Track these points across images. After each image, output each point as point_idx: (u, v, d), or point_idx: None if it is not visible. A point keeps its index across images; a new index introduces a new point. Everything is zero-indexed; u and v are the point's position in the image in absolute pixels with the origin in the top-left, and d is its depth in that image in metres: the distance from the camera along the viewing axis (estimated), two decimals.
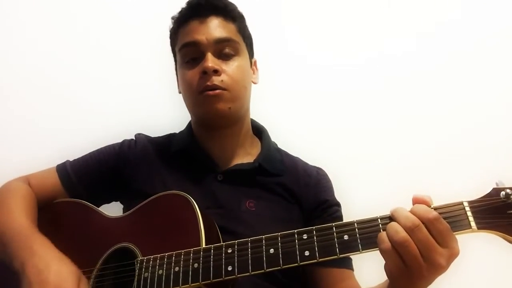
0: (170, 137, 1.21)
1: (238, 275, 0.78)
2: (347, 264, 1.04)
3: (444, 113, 1.55)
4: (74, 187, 1.11)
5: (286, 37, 1.66)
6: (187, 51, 1.08)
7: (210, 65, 1.02)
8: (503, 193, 0.70)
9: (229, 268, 0.79)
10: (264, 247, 0.78)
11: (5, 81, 1.59)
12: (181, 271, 0.81)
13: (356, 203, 1.15)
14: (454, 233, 0.69)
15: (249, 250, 0.79)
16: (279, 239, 0.78)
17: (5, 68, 1.59)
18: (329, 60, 1.64)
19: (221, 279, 0.78)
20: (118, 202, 1.18)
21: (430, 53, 1.61)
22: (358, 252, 0.73)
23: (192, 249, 0.83)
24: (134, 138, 1.20)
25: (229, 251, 0.80)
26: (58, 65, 1.61)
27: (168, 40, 1.17)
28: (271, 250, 0.78)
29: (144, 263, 0.86)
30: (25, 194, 1.05)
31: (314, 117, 1.60)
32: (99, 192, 1.13)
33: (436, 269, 0.69)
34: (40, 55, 1.61)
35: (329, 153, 1.43)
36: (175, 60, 1.16)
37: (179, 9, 1.12)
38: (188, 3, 1.12)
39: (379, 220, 0.74)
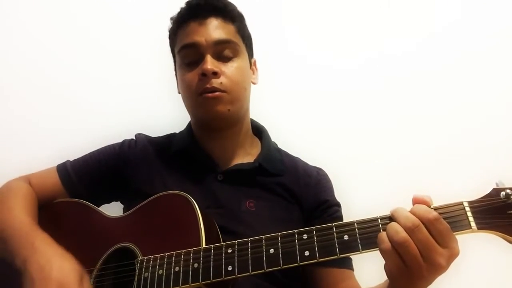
0: (170, 137, 1.21)
1: (238, 275, 0.78)
2: (347, 264, 1.04)
3: (444, 113, 1.55)
4: (74, 187, 1.11)
5: (286, 37, 1.66)
6: (186, 53, 1.08)
7: (209, 67, 1.02)
8: (503, 193, 0.70)
9: (229, 268, 0.79)
10: (264, 247, 0.78)
11: (5, 81, 1.59)
12: (181, 271, 0.82)
13: (356, 203, 1.15)
14: (454, 233, 0.69)
15: (249, 250, 0.79)
16: (279, 239, 0.78)
17: (5, 68, 1.59)
18: (329, 60, 1.64)
19: (221, 279, 0.79)
20: (118, 202, 1.18)
21: (430, 53, 1.61)
22: (358, 252, 0.73)
23: (192, 249, 0.83)
24: (134, 138, 1.21)
25: (229, 251, 0.80)
26: (58, 65, 1.61)
27: (168, 40, 1.17)
28: (271, 250, 0.78)
29: (144, 263, 0.86)
30: (26, 193, 1.05)
31: (314, 117, 1.60)
32: (99, 192, 1.13)
33: (436, 269, 0.69)
34: (40, 55, 1.61)
35: (329, 153, 1.43)
36: (174, 61, 1.16)
37: (178, 9, 1.12)
38: (187, 4, 1.11)
39: (379, 220, 0.74)
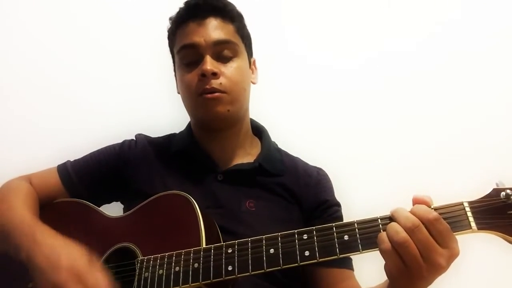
0: (170, 138, 1.21)
1: (238, 275, 0.78)
2: (347, 264, 1.04)
3: (444, 113, 1.55)
4: (74, 187, 1.11)
5: (286, 37, 1.66)
6: (186, 53, 1.08)
7: (208, 68, 1.02)
8: (503, 193, 0.70)
9: (229, 268, 0.79)
10: (264, 247, 0.78)
11: (5, 81, 1.59)
12: (181, 271, 0.82)
13: (356, 203, 1.15)
14: (454, 233, 0.69)
15: (249, 250, 0.79)
16: (279, 239, 0.78)
17: (5, 68, 1.60)
18: (329, 60, 1.64)
19: (221, 279, 0.79)
20: (119, 202, 1.18)
21: (430, 53, 1.61)
22: (358, 252, 0.73)
23: (192, 249, 0.83)
24: (134, 138, 1.21)
25: (229, 251, 0.80)
26: (58, 65, 1.61)
27: (167, 40, 1.17)
28: (271, 250, 0.78)
29: (145, 263, 0.86)
30: (27, 191, 1.05)
31: (314, 117, 1.60)
32: (100, 192, 1.13)
33: (436, 269, 0.69)
34: (40, 55, 1.61)
35: (329, 153, 1.43)
36: (174, 61, 1.16)
37: (177, 9, 1.12)
38: (185, 4, 1.11)
39: (379, 220, 0.74)
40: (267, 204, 1.06)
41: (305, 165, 1.19)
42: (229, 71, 1.05)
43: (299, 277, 1.05)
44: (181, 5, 1.11)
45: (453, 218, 0.70)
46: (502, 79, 1.56)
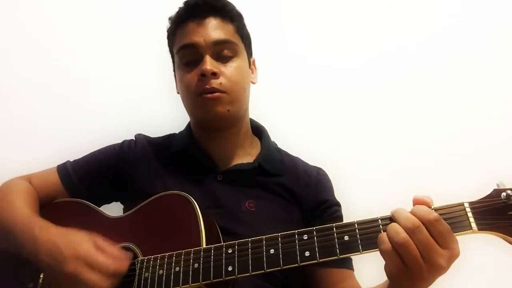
0: (170, 138, 1.21)
1: (238, 275, 0.78)
2: (347, 264, 1.04)
3: (444, 113, 1.55)
4: (74, 187, 1.11)
5: (286, 37, 1.66)
6: (185, 53, 1.08)
7: (208, 68, 1.02)
8: (504, 194, 0.69)
9: (230, 268, 0.79)
10: (264, 247, 0.78)
11: (5, 81, 1.59)
12: (181, 271, 0.82)
13: (356, 203, 1.15)
14: (455, 234, 0.69)
15: (250, 250, 0.79)
16: (280, 240, 0.78)
17: (5, 68, 1.59)
18: (329, 60, 1.64)
19: (222, 279, 0.79)
20: (119, 202, 1.18)
21: (430, 53, 1.61)
22: (359, 252, 0.73)
23: (192, 249, 0.83)
24: (134, 138, 1.20)
25: (230, 251, 0.80)
26: (58, 65, 1.61)
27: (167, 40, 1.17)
28: (272, 251, 0.78)
29: (145, 263, 0.86)
30: (26, 190, 1.05)
31: (314, 117, 1.60)
32: (100, 192, 1.13)
33: (436, 270, 0.69)
34: (40, 55, 1.61)
35: (329, 153, 1.43)
36: (173, 61, 1.16)
37: (177, 9, 1.12)
38: (185, 3, 1.11)
39: (379, 220, 0.74)
40: (267, 204, 1.06)
41: (305, 165, 1.19)
42: (229, 71, 1.05)
43: (299, 277, 1.05)
44: (181, 5, 1.11)
45: (453, 219, 0.70)
46: (502, 79, 1.56)
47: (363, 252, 0.73)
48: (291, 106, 1.59)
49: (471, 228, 0.69)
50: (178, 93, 1.15)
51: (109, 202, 1.17)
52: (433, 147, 1.52)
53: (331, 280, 1.02)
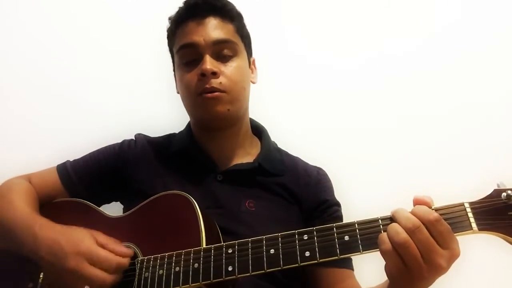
0: (169, 137, 1.21)
1: (239, 275, 0.78)
2: (347, 264, 1.04)
3: (444, 113, 1.55)
4: (74, 187, 1.11)
5: (286, 37, 1.66)
6: (185, 53, 1.08)
7: (208, 67, 1.02)
8: (504, 194, 0.69)
9: (230, 268, 0.79)
10: (264, 247, 0.78)
11: (5, 81, 1.59)
12: (181, 271, 0.82)
13: (356, 203, 1.15)
14: (455, 234, 0.69)
15: (250, 250, 0.79)
16: (280, 240, 0.78)
17: (5, 68, 1.59)
18: (329, 60, 1.64)
19: (222, 279, 0.79)
20: (118, 202, 1.18)
21: (430, 53, 1.61)
22: (359, 252, 0.73)
23: (192, 249, 0.83)
24: (134, 138, 1.20)
25: (230, 251, 0.80)
26: (58, 65, 1.61)
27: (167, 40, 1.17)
28: (272, 251, 0.78)
29: (145, 263, 0.86)
30: (26, 189, 1.05)
31: (314, 117, 1.60)
32: (99, 192, 1.13)
33: (436, 270, 0.69)
34: (40, 55, 1.61)
35: (329, 153, 1.43)
36: (173, 61, 1.16)
37: (177, 9, 1.12)
38: (185, 3, 1.11)
39: (379, 221, 0.74)
40: (267, 204, 1.06)
41: (305, 165, 1.19)
42: (229, 70, 1.05)
43: (299, 277, 1.05)
44: (181, 5, 1.11)
45: (453, 219, 0.70)
46: (503, 79, 1.56)
47: (364, 252, 0.73)
48: (291, 106, 1.59)
49: (471, 228, 0.69)
50: (178, 93, 1.15)
51: (109, 202, 1.17)
52: (433, 147, 1.52)
53: (331, 280, 1.03)
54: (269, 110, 1.36)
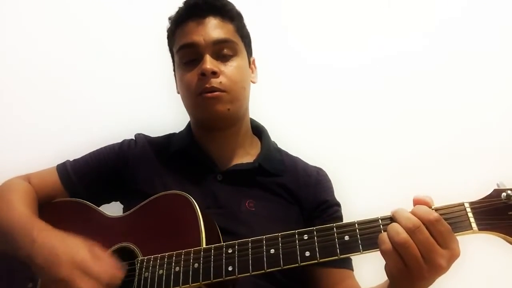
0: (169, 137, 1.21)
1: (239, 275, 0.78)
2: (347, 264, 1.04)
3: (445, 113, 1.55)
4: (74, 187, 1.11)
5: (286, 36, 1.66)
6: (185, 53, 1.08)
7: (208, 67, 1.02)
8: (504, 194, 0.69)
9: (230, 268, 0.79)
10: (264, 247, 0.78)
11: (5, 81, 1.59)
12: (181, 271, 0.81)
13: (356, 203, 1.15)
14: (455, 234, 0.69)
15: (250, 250, 0.79)
16: (280, 240, 0.78)
17: (5, 68, 1.59)
18: (329, 59, 1.64)
19: (222, 279, 0.78)
20: (118, 202, 1.18)
21: (430, 53, 1.61)
22: (359, 252, 0.73)
23: (192, 249, 0.83)
24: (134, 138, 1.20)
25: (230, 251, 0.80)
26: (58, 65, 1.61)
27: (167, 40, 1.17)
28: (272, 251, 0.78)
29: (145, 263, 0.86)
30: (25, 190, 1.05)
31: (314, 117, 1.60)
32: (99, 192, 1.13)
33: (436, 270, 0.68)
34: (40, 55, 1.61)
35: (329, 153, 1.43)
36: (173, 61, 1.16)
37: (177, 9, 1.12)
38: (185, 3, 1.11)
39: (380, 221, 0.74)
40: (267, 204, 1.06)
41: (305, 165, 1.19)
42: (229, 70, 1.05)
43: (299, 277, 1.04)
44: (181, 5, 1.11)
45: (454, 219, 0.70)
46: (503, 79, 1.56)
47: (364, 252, 0.73)
48: (291, 106, 1.59)
49: (471, 228, 0.69)
50: (178, 93, 1.15)
51: (108, 202, 1.17)
52: (433, 147, 1.52)
53: (331, 280, 1.03)
54: (269, 110, 1.36)
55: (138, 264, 0.87)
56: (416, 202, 0.73)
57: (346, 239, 0.74)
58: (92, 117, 1.57)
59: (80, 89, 1.61)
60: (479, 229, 0.69)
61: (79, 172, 1.13)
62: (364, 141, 1.55)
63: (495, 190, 0.71)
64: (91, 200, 1.08)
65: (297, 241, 0.77)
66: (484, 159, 1.45)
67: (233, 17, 1.10)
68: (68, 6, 1.65)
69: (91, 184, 1.12)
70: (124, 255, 0.92)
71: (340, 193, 1.15)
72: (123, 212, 1.07)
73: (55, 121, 1.56)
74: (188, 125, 1.20)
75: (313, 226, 0.78)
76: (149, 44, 1.54)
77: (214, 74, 1.02)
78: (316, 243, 0.75)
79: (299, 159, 1.20)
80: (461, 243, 0.70)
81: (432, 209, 0.71)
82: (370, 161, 1.53)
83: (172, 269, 0.82)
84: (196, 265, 0.81)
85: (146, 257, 0.87)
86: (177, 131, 1.22)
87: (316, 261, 0.75)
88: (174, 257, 0.84)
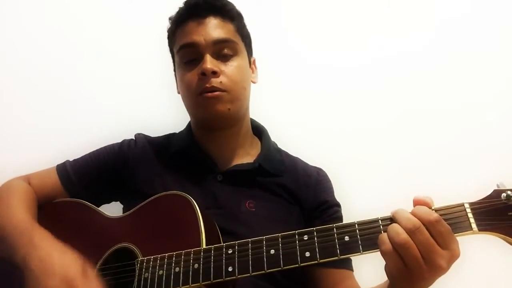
0: (169, 137, 1.21)
1: (239, 276, 0.78)
2: (347, 264, 1.04)
3: (445, 113, 1.55)
4: (73, 187, 1.11)
5: (286, 36, 1.66)
6: (185, 53, 1.08)
7: (208, 66, 1.02)
8: (504, 194, 0.69)
9: (230, 269, 0.78)
10: (264, 247, 0.78)
11: (5, 81, 1.59)
12: (181, 271, 0.81)
13: (356, 204, 1.15)
14: (455, 234, 0.69)
15: (250, 250, 0.79)
16: (280, 240, 0.78)
17: (5, 68, 1.59)
18: (329, 59, 1.64)
19: (222, 279, 0.78)
20: (118, 202, 1.18)
21: (430, 53, 1.61)
22: (359, 253, 0.73)
23: (192, 250, 0.83)
24: (134, 138, 1.20)
25: (230, 251, 0.80)
26: (58, 65, 1.61)
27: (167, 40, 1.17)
28: (272, 251, 0.78)
29: (145, 263, 0.86)
30: (25, 191, 1.05)
31: (314, 117, 1.60)
32: (99, 192, 1.13)
33: (436, 270, 0.69)
34: (40, 55, 1.61)
35: (329, 153, 1.43)
36: (174, 61, 1.16)
37: (177, 9, 1.12)
38: (185, 3, 1.11)
39: (380, 221, 0.74)
40: (267, 205, 1.06)
41: (305, 165, 1.18)
42: (229, 69, 1.05)
43: (299, 277, 1.04)
44: (181, 5, 1.11)
45: (454, 220, 0.70)
46: (503, 79, 1.56)
47: (364, 252, 0.73)
48: (291, 106, 1.59)
49: (471, 228, 0.69)
50: (178, 93, 1.15)
51: (108, 202, 1.16)
52: (433, 147, 1.52)
53: (330, 280, 1.03)
54: (269, 110, 1.36)
55: (138, 265, 0.87)
56: (416, 202, 0.73)
57: (346, 239, 0.74)
58: (92, 117, 1.57)
59: (80, 89, 1.61)
60: (479, 230, 0.69)
61: (79, 172, 1.13)
62: (364, 141, 1.55)
63: (495, 190, 0.71)
64: (91, 200, 1.08)
65: (297, 242, 0.77)
66: (484, 159, 1.45)
67: (233, 17, 1.10)
68: (68, 6, 1.65)
69: (91, 184, 1.12)
70: (124, 255, 0.92)
71: (340, 193, 1.15)
72: (123, 212, 1.07)
73: (55, 121, 1.56)
74: (188, 125, 1.20)
75: (313, 227, 0.78)
76: (149, 44, 1.54)
77: (215, 73, 1.02)
78: (316, 244, 0.75)
79: (299, 159, 1.20)
80: (461, 243, 0.70)
81: (432, 210, 0.71)
82: (370, 161, 1.53)
83: (172, 270, 0.82)
84: (196, 265, 0.81)
85: (146, 258, 0.87)
86: (177, 131, 1.22)
87: (316, 261, 0.75)
88: (174, 258, 0.84)
